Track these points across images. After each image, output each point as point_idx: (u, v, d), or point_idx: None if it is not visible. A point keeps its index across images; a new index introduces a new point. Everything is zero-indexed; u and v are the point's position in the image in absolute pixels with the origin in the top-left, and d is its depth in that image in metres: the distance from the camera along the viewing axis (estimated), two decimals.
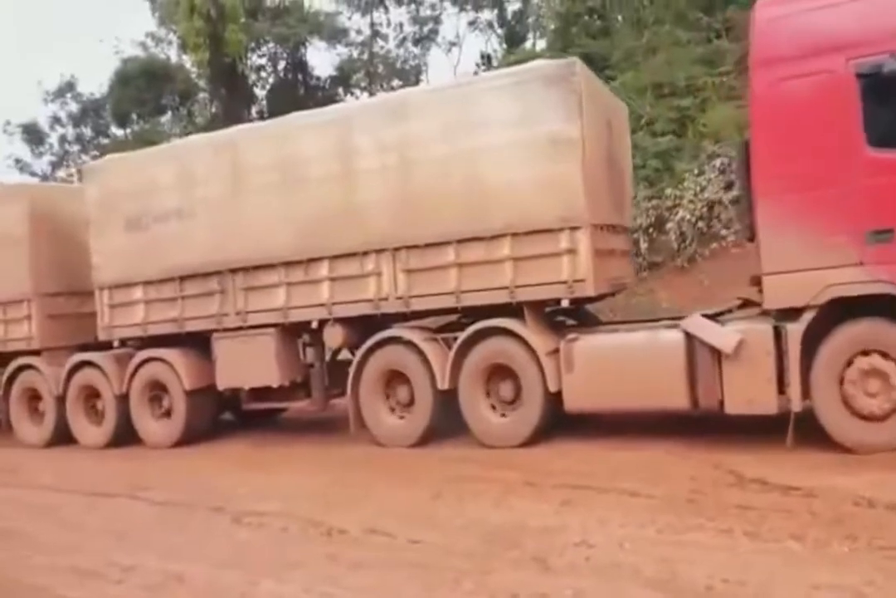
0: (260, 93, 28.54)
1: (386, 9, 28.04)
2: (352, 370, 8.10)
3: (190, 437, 9.08)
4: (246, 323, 8.57)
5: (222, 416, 9.86)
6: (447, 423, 7.77)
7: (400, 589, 4.18)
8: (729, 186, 14.15)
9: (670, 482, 5.61)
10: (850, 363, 6.00)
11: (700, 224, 14.38)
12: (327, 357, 8.77)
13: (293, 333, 8.61)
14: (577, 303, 7.49)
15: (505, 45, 24.94)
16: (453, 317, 8.42)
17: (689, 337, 6.58)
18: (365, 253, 7.89)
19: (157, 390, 9.16)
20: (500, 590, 3.99)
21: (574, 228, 7.00)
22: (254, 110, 27.71)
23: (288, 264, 8.29)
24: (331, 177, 7.99)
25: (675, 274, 13.55)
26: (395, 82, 27.94)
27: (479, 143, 7.31)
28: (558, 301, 7.32)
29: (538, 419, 7.18)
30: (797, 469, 5.56)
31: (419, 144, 7.58)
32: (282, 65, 28.38)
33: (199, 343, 8.92)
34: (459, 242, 7.43)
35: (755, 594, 3.65)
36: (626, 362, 6.75)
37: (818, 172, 6.05)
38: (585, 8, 16.22)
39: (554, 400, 7.12)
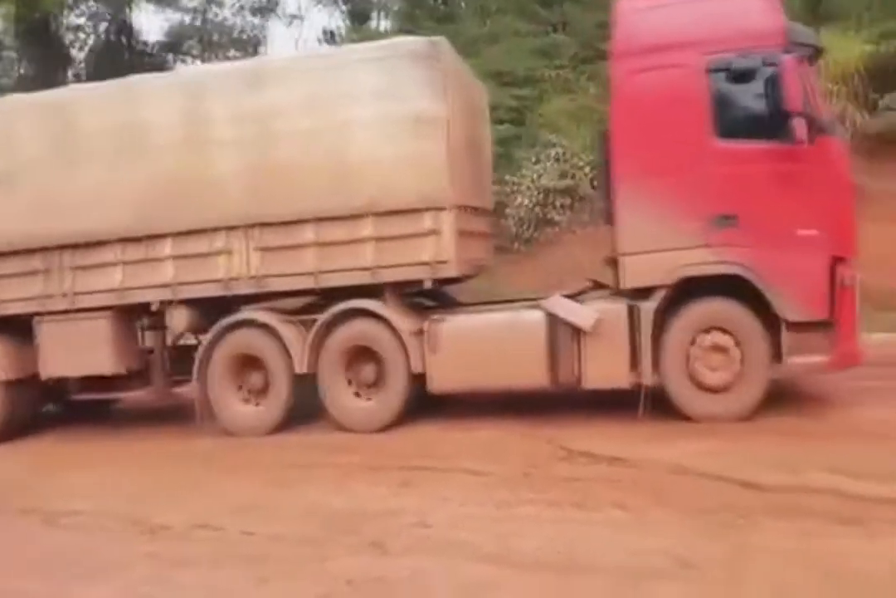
0: (78, 55, 26.22)
1: None
2: (199, 356, 7.62)
3: (9, 432, 8.17)
4: (74, 306, 7.80)
5: (45, 408, 8.94)
6: (305, 409, 7.52)
7: (230, 585, 4.04)
8: (563, 175, 14.83)
9: (506, 460, 5.79)
10: (695, 340, 6.44)
11: (537, 210, 14.96)
12: (168, 342, 8.19)
13: (130, 316, 7.97)
14: (440, 284, 7.48)
15: (349, 22, 24.47)
16: (309, 299, 8.16)
17: (550, 316, 6.77)
18: (214, 230, 7.43)
19: None
20: (337, 577, 3.96)
21: (438, 209, 6.98)
22: (70, 73, 25.35)
23: (125, 241, 7.64)
24: (177, 146, 7.44)
25: (516, 258, 13.98)
26: (232, 52, 26.60)
27: (342, 117, 7.10)
28: (420, 282, 7.27)
29: (402, 402, 7.13)
30: (623, 442, 5.93)
31: (278, 115, 7.23)
32: (104, 26, 26.14)
33: (17, 328, 8.01)
34: (319, 220, 7.18)
35: (581, 560, 3.89)
36: (489, 342, 6.84)
37: (672, 160, 6.42)
38: None
39: (417, 382, 7.09)
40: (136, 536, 4.93)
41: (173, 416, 8.46)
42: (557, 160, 14.86)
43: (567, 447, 5.96)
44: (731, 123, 6.37)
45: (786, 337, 6.21)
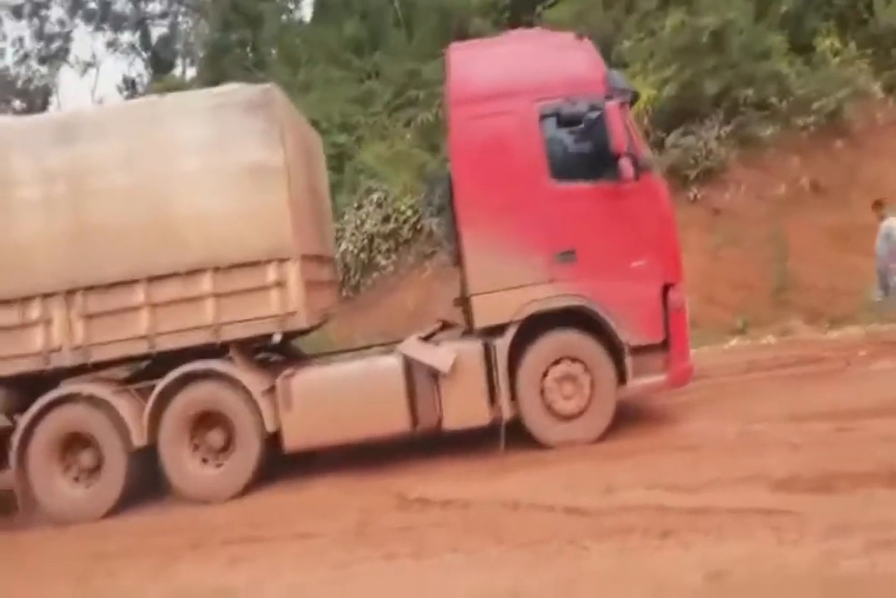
0: None
1: None
2: (16, 439, 6.80)
3: None
4: None
5: None
6: (143, 484, 6.91)
7: None
8: (386, 220, 15.04)
9: (340, 517, 5.67)
10: (547, 371, 6.66)
11: (362, 255, 15.04)
12: None
13: None
14: (289, 337, 7.22)
15: (151, 71, 23.45)
16: (141, 366, 7.59)
17: (406, 361, 6.73)
18: (27, 298, 6.73)
19: None
20: None
21: (282, 260, 6.77)
22: None
23: None
24: None
25: (345, 305, 13.89)
26: (18, 103, 24.60)
27: (170, 170, 6.75)
28: (266, 337, 6.98)
29: (255, 464, 6.75)
30: (457, 482, 6.02)
31: (94, 171, 6.74)
32: None
33: None
34: (150, 279, 6.72)
35: None
36: (346, 392, 6.69)
37: (512, 201, 6.69)
38: (236, 40, 16.01)
39: (270, 442, 6.75)
40: None
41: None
42: (380, 205, 15.09)
43: (402, 495, 5.92)
44: (564, 165, 6.74)
45: (628, 361, 6.57)
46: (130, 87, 24.61)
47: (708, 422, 6.71)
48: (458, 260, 7.14)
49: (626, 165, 6.51)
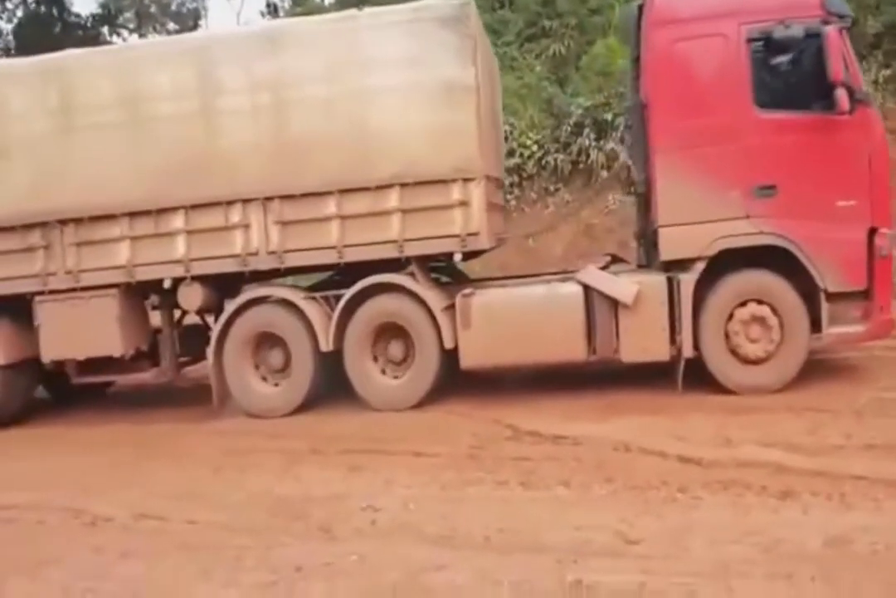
0: (5, 27, 24.48)
1: None
2: (215, 334, 7.22)
3: (5, 418, 7.60)
4: (79, 283, 7.30)
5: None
6: (328, 388, 7.24)
7: (174, 575, 3.87)
8: (511, 154, 14.23)
9: (452, 440, 5.70)
10: (734, 312, 6.36)
11: None
12: (177, 321, 7.77)
13: (139, 294, 7.46)
14: (468, 257, 7.26)
15: None
16: (324, 275, 7.87)
17: (587, 289, 6.65)
18: (230, 203, 6.99)
19: None
20: (284, 564, 3.82)
21: (467, 180, 6.69)
22: None
23: (133, 215, 7.10)
24: (188, 116, 6.89)
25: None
26: (171, 26, 25.30)
27: (366, 84, 6.67)
28: (446, 256, 7.05)
29: (433, 379, 6.86)
30: (567, 420, 5.88)
31: (297, 83, 6.75)
32: None
33: (14, 308, 7.45)
34: (342, 192, 6.82)
35: (527, 539, 3.86)
36: (524, 316, 6.65)
37: (711, 130, 6.28)
38: None
39: (448, 358, 6.88)
40: (78, 528, 4.68)
41: (170, 398, 8.06)
42: (505, 139, 14.58)
43: (514, 427, 5.87)
44: (771, 93, 6.25)
45: (825, 307, 6.20)
46: (273, 12, 24.71)
47: (843, 386, 6.24)
48: (643, 191, 6.90)
49: (841, 96, 5.99)
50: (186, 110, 6.90)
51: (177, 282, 7.19)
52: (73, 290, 7.23)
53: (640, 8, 6.79)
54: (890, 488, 4.04)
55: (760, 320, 6.31)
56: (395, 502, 4.54)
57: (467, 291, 6.84)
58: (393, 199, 6.75)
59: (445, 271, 7.88)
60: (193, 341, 7.66)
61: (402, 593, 3.43)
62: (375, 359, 7.00)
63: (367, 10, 7.07)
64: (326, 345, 6.90)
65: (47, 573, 4.02)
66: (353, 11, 7.04)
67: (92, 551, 4.26)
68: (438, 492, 4.67)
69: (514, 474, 4.82)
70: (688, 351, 6.36)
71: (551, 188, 12.62)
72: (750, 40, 6.20)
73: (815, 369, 6.45)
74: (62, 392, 8.42)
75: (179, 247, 7.08)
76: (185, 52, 7.06)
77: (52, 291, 7.26)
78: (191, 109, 6.90)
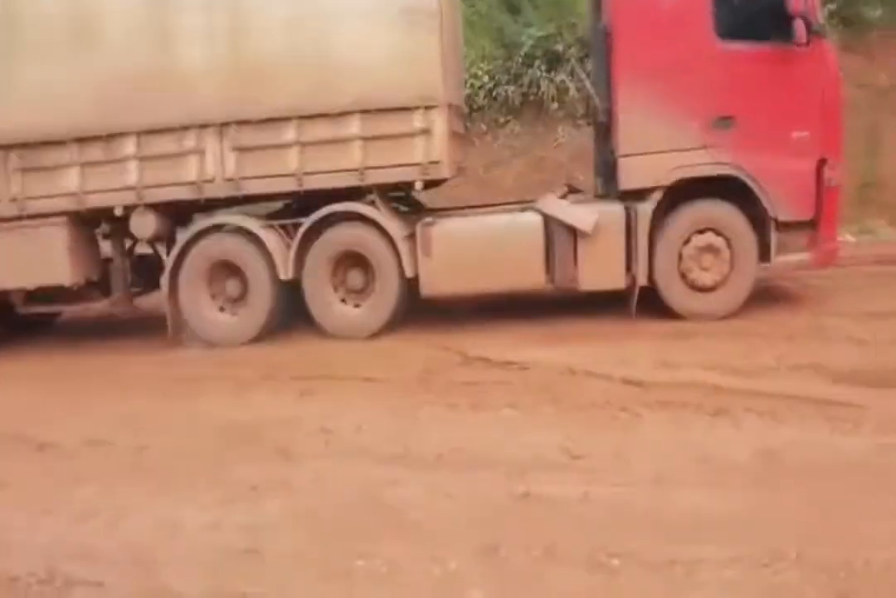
0: None
1: None
2: (170, 263, 7.05)
3: None
4: (25, 212, 6.98)
5: None
6: (286, 317, 7.20)
7: (127, 497, 3.86)
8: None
9: (404, 366, 5.76)
10: (688, 240, 6.54)
11: None
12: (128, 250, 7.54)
13: (89, 223, 7.19)
14: (428, 187, 7.21)
15: None
16: (281, 204, 7.72)
17: (546, 218, 6.72)
18: (184, 128, 6.71)
19: None
20: (240, 483, 3.87)
21: (430, 108, 6.57)
22: None
23: (82, 140, 6.76)
24: (140, 35, 6.54)
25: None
26: None
27: (329, 7, 6.43)
28: (406, 185, 6.99)
29: (394, 307, 6.86)
30: (516, 347, 5.98)
31: (256, 4, 6.47)
32: None
33: None
34: (301, 118, 6.61)
35: (477, 456, 3.99)
36: (485, 245, 6.66)
37: (673, 61, 6.29)
38: None
39: (408, 287, 6.91)
40: (26, 454, 4.62)
41: (120, 329, 7.85)
42: None
43: (464, 353, 5.96)
44: (731, 24, 6.27)
45: (774, 236, 6.42)
46: None
47: (782, 312, 6.50)
48: (602, 120, 6.94)
49: (799, 26, 6.10)
50: (138, 27, 6.53)
51: (128, 210, 6.92)
52: (20, 218, 6.88)
53: None
54: (816, 405, 4.26)
55: (712, 249, 6.49)
56: (347, 424, 4.59)
57: (428, 219, 6.82)
58: (354, 126, 6.60)
59: (404, 202, 7.81)
60: (145, 271, 7.46)
61: (357, 507, 3.50)
62: (335, 288, 6.96)
63: None
64: (286, 274, 6.82)
65: (2, 496, 3.99)
66: None
67: (42, 475, 4.24)
68: (390, 415, 4.74)
69: (464, 397, 4.92)
70: (643, 279, 6.51)
71: (501, 120, 12.48)
72: None
73: (759, 296, 6.69)
74: (7, 324, 8.11)
75: (131, 173, 6.81)
76: None
77: None
78: (143, 26, 6.54)
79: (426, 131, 6.57)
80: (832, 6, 11.97)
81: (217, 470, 4.06)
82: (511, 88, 12.24)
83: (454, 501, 3.45)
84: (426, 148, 6.60)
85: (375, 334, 6.83)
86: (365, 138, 6.60)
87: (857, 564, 2.65)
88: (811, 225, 6.40)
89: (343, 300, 6.98)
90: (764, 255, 6.47)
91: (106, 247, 7.39)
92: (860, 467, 3.45)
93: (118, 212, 6.91)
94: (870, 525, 2.94)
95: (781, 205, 6.30)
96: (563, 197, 7.23)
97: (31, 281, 7.00)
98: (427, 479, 3.74)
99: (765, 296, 6.80)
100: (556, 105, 12.02)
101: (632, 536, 2.96)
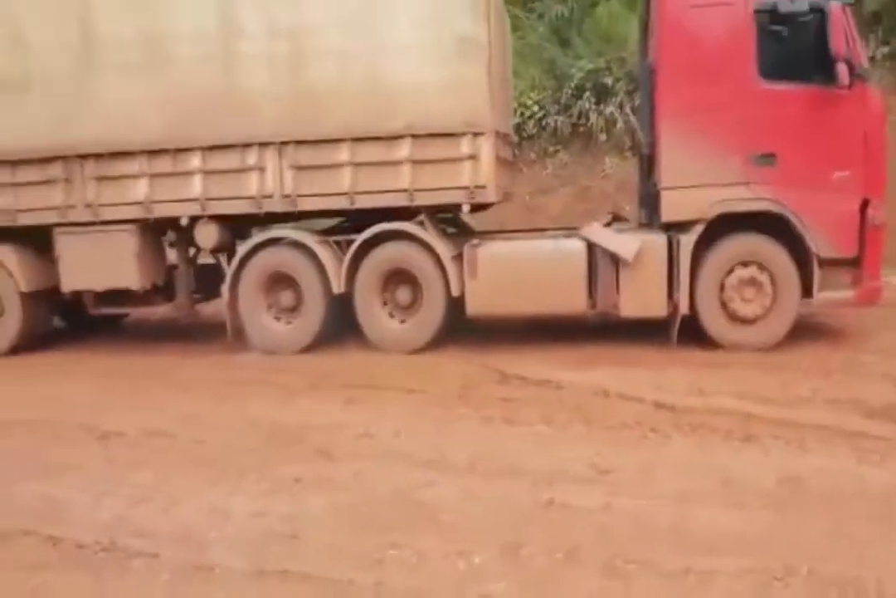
0: None
1: None
2: (231, 272, 7.40)
3: (24, 344, 7.75)
4: (98, 217, 7.42)
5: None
6: (337, 329, 7.45)
7: (182, 485, 4.12)
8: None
9: (444, 381, 5.97)
10: (730, 273, 6.63)
11: None
12: (193, 258, 7.94)
13: (156, 230, 7.60)
14: (475, 210, 7.47)
15: None
16: (334, 221, 8.05)
17: (590, 245, 6.91)
18: (246, 145, 7.09)
19: None
20: (285, 478, 4.10)
21: (477, 134, 6.84)
22: None
23: (152, 153, 7.20)
24: (208, 57, 6.93)
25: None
26: None
27: (382, 37, 6.76)
28: (454, 207, 7.25)
29: (439, 324, 7.08)
30: (552, 366, 6.15)
31: (316, 32, 6.83)
32: None
33: (37, 239, 7.56)
34: (355, 140, 6.95)
35: (507, 466, 4.16)
36: (529, 268, 6.86)
37: (716, 98, 6.45)
38: None
39: (453, 306, 7.12)
40: (91, 441, 4.93)
41: (181, 333, 8.25)
42: None
43: (502, 371, 6.14)
44: (775, 64, 6.39)
45: (817, 272, 6.47)
46: None
47: (821, 347, 6.55)
48: (647, 152, 7.13)
49: (842, 70, 6.21)
50: (207, 52, 6.95)
51: (193, 221, 7.30)
52: (93, 223, 7.32)
53: None
54: (845, 437, 4.35)
55: (754, 282, 6.58)
56: (387, 431, 4.82)
57: (475, 241, 7.06)
58: (405, 149, 6.89)
59: (453, 224, 8.07)
60: (207, 278, 7.81)
61: (392, 503, 3.71)
62: (384, 303, 7.21)
63: None
64: (338, 287, 7.11)
65: (65, 479, 4.27)
66: None
67: (105, 461, 4.54)
68: (428, 424, 4.95)
69: (499, 412, 5.10)
70: (684, 308, 6.63)
71: (550, 149, 12.74)
72: (757, 12, 6.36)
73: (800, 331, 6.75)
74: (78, 323, 8.58)
75: (196, 186, 7.18)
76: None
77: (71, 224, 7.34)
78: (211, 50, 6.95)
79: (473, 157, 6.85)
80: (885, 49, 12.04)
81: (265, 466, 4.31)
82: (560, 119, 12.53)
83: (483, 503, 3.63)
84: (473, 172, 6.87)
85: (419, 350, 7.04)
86: (414, 161, 6.90)
87: (869, 581, 2.74)
88: (855, 263, 6.45)
89: (391, 315, 7.24)
90: (807, 291, 6.52)
91: (171, 254, 7.75)
92: (882, 497, 3.53)
93: (183, 222, 7.30)
94: (884, 548, 3.03)
95: (823, 242, 6.39)
96: (608, 225, 7.39)
97: (101, 283, 7.42)
98: (459, 483, 3.93)
99: (805, 331, 6.86)
100: (604, 136, 12.24)
101: (650, 546, 3.10)
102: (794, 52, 6.46)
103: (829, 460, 4.03)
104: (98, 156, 7.22)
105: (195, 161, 7.16)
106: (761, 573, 2.83)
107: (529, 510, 3.54)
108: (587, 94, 12.43)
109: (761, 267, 6.54)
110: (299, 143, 6.99)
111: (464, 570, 3.05)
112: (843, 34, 6.19)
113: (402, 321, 7.19)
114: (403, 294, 7.17)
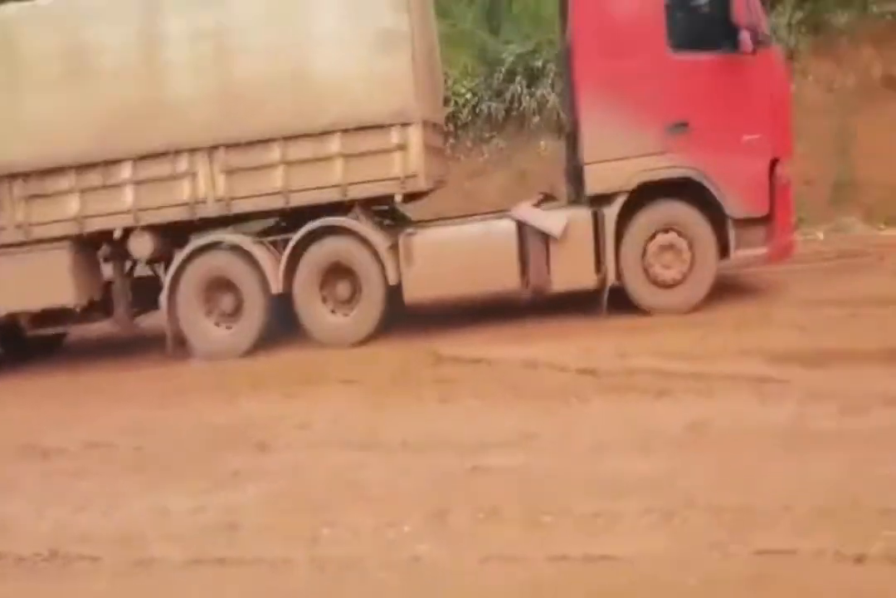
0: None
1: None
2: (168, 281, 7.45)
3: None
4: (29, 237, 7.42)
5: None
6: (277, 329, 7.56)
7: (123, 490, 4.23)
8: (445, 102, 14.01)
9: (381, 368, 6.14)
10: (651, 240, 6.88)
11: None
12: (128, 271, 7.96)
13: (90, 245, 7.61)
14: (409, 199, 7.60)
15: None
16: (270, 222, 8.12)
17: (520, 225, 7.09)
18: (176, 152, 7.14)
19: None
20: (223, 473, 4.23)
21: (405, 124, 6.97)
22: None
23: (81, 168, 7.20)
24: (132, 67, 6.99)
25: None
26: None
27: (305, 32, 6.87)
28: (386, 199, 7.38)
29: (380, 314, 7.21)
30: (487, 345, 6.36)
31: (238, 31, 6.91)
32: None
33: None
34: (286, 138, 7.04)
35: (437, 440, 4.35)
36: (464, 252, 7.02)
37: (630, 71, 6.69)
38: None
39: (393, 295, 7.27)
40: (31, 458, 4.99)
41: (120, 348, 8.24)
42: None
43: (437, 353, 6.29)
44: (683, 36, 6.68)
45: (732, 233, 6.75)
46: None
47: (736, 303, 6.84)
48: (570, 131, 7.32)
49: (745, 37, 6.48)
50: (130, 61, 6.99)
51: (127, 232, 7.34)
52: (25, 243, 7.32)
53: None
54: (751, 382, 4.61)
55: (673, 247, 6.83)
56: (323, 420, 4.97)
57: (410, 230, 7.20)
58: (335, 144, 6.99)
59: (388, 215, 8.19)
60: (145, 291, 7.84)
61: (326, 486, 3.85)
62: (324, 299, 7.31)
63: None
64: (277, 287, 7.19)
65: (7, 495, 4.35)
66: None
67: (46, 475, 4.62)
68: (364, 410, 5.12)
69: (433, 392, 5.28)
70: (611, 278, 6.86)
71: (486, 135, 12.86)
72: None
73: (722, 289, 7.01)
74: (16, 347, 8.52)
75: (128, 197, 7.22)
76: (129, 4, 7.12)
77: (3, 245, 7.33)
78: (135, 59, 7.00)
79: (403, 147, 6.96)
80: (800, 14, 12.38)
81: (204, 464, 4.43)
82: (494, 104, 12.62)
83: (412, 477, 3.79)
84: (403, 163, 6.99)
85: (362, 341, 7.16)
86: (346, 155, 7.00)
87: (758, 507, 2.96)
88: (767, 221, 6.71)
89: (332, 310, 7.33)
90: (725, 251, 6.77)
91: (107, 269, 7.76)
92: (778, 432, 3.77)
93: (117, 234, 7.32)
94: (774, 477, 3.26)
95: (737, 203, 6.65)
96: (538, 205, 7.57)
97: (36, 303, 7.40)
98: (390, 460, 4.12)
99: (726, 290, 7.12)
100: (537, 119, 12.40)
101: (565, 496, 3.30)
102: (701, 23, 6.75)
103: (733, 404, 4.27)
104: (26, 175, 7.19)
105: (125, 172, 7.22)
106: (663, 509, 3.00)
107: (455, 478, 3.71)
108: (519, 77, 12.56)
109: (679, 233, 6.77)
110: (229, 146, 7.05)
111: (394, 538, 3.19)
112: (745, 3, 6.44)
113: (344, 315, 7.29)
114: (343, 288, 7.28)
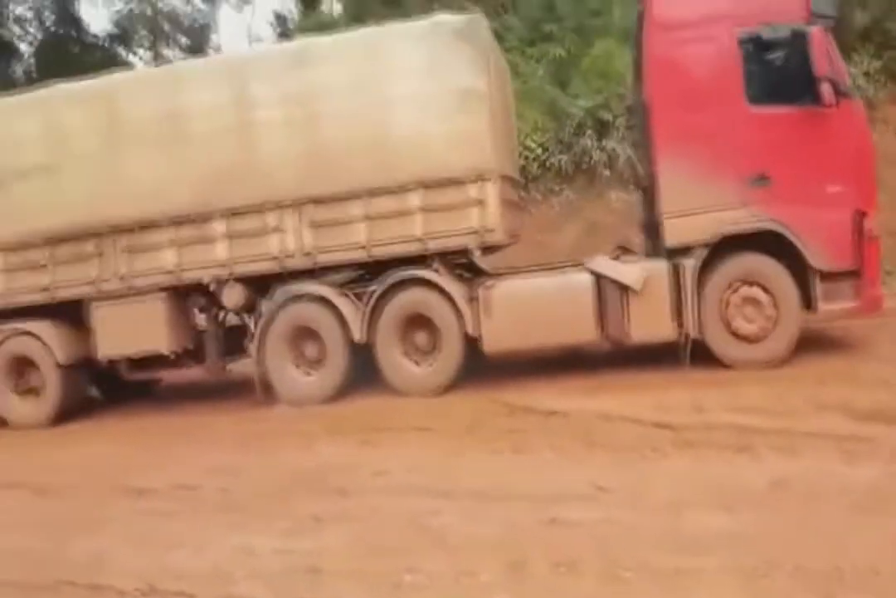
0: (27, 49, 25.45)
1: None
2: (258, 330, 7.79)
3: (62, 414, 8.18)
4: (130, 287, 7.92)
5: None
6: (359, 377, 7.76)
7: (211, 529, 4.45)
8: None
9: (456, 418, 6.24)
10: (733, 293, 6.81)
11: None
12: (220, 320, 8.37)
13: (184, 295, 8.04)
14: (486, 252, 7.78)
15: (300, 6, 24.24)
16: (354, 273, 8.40)
17: (597, 277, 7.16)
18: (266, 208, 7.59)
19: (23, 366, 8.17)
20: (305, 515, 4.39)
21: (483, 179, 7.24)
22: (19, 68, 24.69)
23: (178, 223, 7.73)
24: (225, 130, 7.46)
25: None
26: (184, 41, 26.22)
27: (388, 94, 7.24)
28: (465, 252, 7.57)
29: (458, 364, 7.36)
30: (558, 396, 6.38)
31: (324, 95, 7.32)
32: (50, 18, 25.43)
33: (70, 312, 8.08)
34: (368, 194, 7.40)
35: (513, 491, 4.38)
36: (541, 303, 7.10)
37: (708, 125, 6.77)
38: None
39: (470, 346, 7.38)
40: (124, 498, 5.28)
41: (207, 393, 8.65)
42: None
43: (511, 404, 6.38)
44: (762, 90, 6.73)
45: (817, 286, 6.63)
46: (282, 23, 25.56)
47: (818, 356, 6.69)
48: (647, 184, 7.40)
49: (826, 90, 6.49)
50: (224, 124, 7.49)
51: (219, 283, 7.75)
52: (125, 294, 7.81)
53: (640, 14, 7.32)
54: (834, 441, 4.51)
55: (755, 301, 6.76)
56: (400, 467, 5.10)
57: (488, 282, 7.35)
58: (415, 199, 7.27)
59: (465, 268, 8.37)
60: (234, 338, 8.21)
61: (405, 532, 3.97)
62: (404, 348, 7.49)
63: (389, 25, 7.66)
64: (359, 337, 7.42)
65: (105, 533, 4.62)
66: (375, 27, 7.62)
67: (139, 514, 4.91)
68: (439, 459, 5.23)
69: (507, 443, 5.36)
70: (692, 331, 6.81)
71: (555, 188, 13.03)
72: (741, 42, 6.70)
73: (804, 342, 6.86)
74: (114, 390, 9.02)
75: (221, 250, 7.65)
76: (222, 71, 7.69)
77: (105, 295, 7.84)
78: (228, 122, 7.49)
79: (480, 202, 7.19)
80: (878, 63, 12.26)
81: (286, 507, 4.62)
82: (563, 157, 12.82)
83: (488, 526, 3.85)
84: (481, 217, 7.21)
85: (442, 391, 7.30)
86: (425, 209, 7.27)
87: (846, 569, 2.89)
88: (855, 274, 6.58)
89: (411, 360, 7.50)
90: (811, 304, 6.66)
91: (200, 318, 8.19)
92: (863, 492, 3.69)
93: (211, 286, 7.71)
94: (862, 539, 3.17)
95: (822, 255, 6.56)
96: (616, 258, 7.63)
97: (134, 350, 7.85)
98: (465, 508, 4.19)
99: (808, 343, 6.98)
100: (607, 172, 12.52)
101: (644, 551, 3.29)
102: (780, 75, 6.78)
103: (817, 462, 4.20)
104: (128, 230, 7.72)
105: (219, 227, 7.63)
106: (746, 568, 2.97)
107: (531, 529, 3.75)
108: (588, 131, 12.75)
109: (762, 286, 6.70)
110: (316, 201, 7.42)
111: (472, 586, 3.25)
112: (826, 55, 6.48)
113: (423, 365, 7.44)
114: (422, 339, 7.45)
